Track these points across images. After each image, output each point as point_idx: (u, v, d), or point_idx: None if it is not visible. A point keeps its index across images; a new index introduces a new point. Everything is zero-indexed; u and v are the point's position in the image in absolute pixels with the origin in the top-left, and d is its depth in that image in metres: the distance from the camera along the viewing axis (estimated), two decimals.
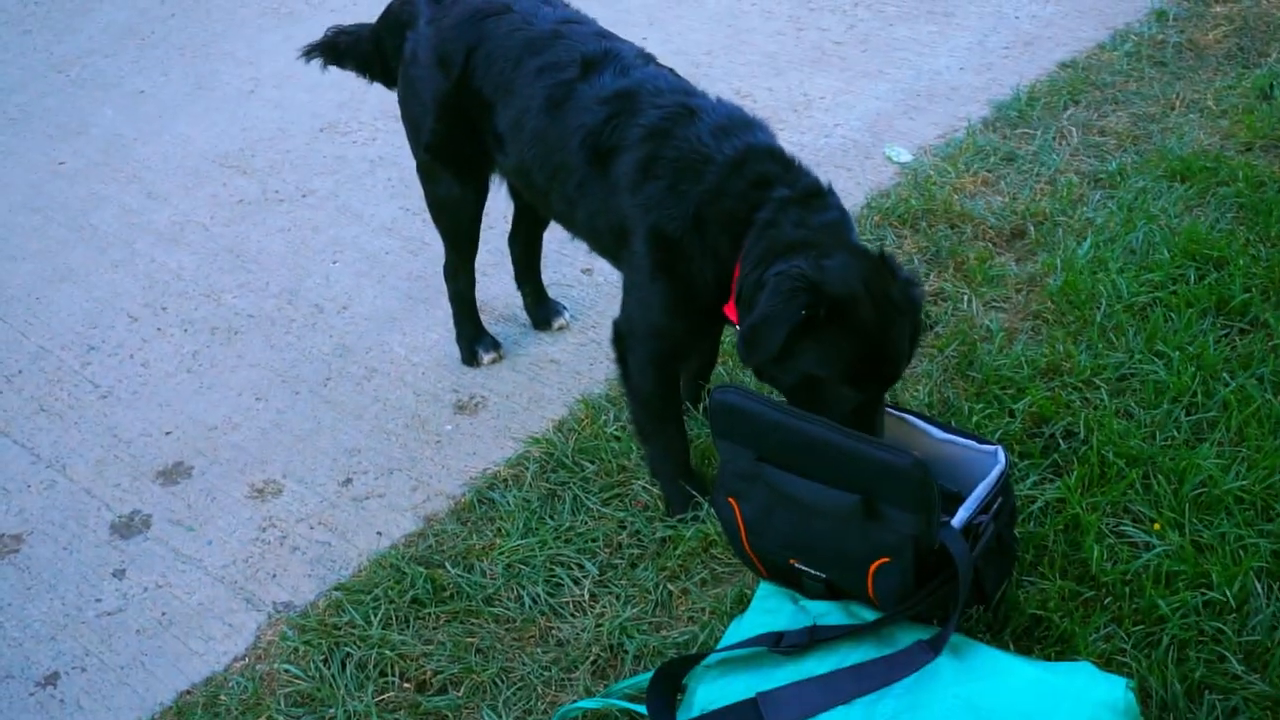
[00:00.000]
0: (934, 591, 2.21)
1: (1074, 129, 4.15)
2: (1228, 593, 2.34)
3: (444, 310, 3.61)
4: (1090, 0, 5.12)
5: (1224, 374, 2.89)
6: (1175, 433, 2.77)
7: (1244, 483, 2.58)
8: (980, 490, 2.27)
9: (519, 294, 3.60)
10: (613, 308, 3.55)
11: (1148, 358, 2.98)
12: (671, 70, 2.79)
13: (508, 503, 2.91)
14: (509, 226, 3.47)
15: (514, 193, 3.29)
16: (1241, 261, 3.21)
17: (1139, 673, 2.26)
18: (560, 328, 3.54)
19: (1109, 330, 3.11)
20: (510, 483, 2.99)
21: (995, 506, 2.27)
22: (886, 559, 2.19)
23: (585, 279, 3.74)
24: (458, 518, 2.93)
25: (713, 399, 2.33)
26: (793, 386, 2.36)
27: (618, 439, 3.04)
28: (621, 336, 2.74)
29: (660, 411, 2.75)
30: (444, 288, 3.44)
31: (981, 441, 2.38)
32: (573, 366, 3.39)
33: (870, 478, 2.14)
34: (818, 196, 2.44)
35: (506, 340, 3.51)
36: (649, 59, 2.79)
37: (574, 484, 2.94)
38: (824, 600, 2.35)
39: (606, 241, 2.74)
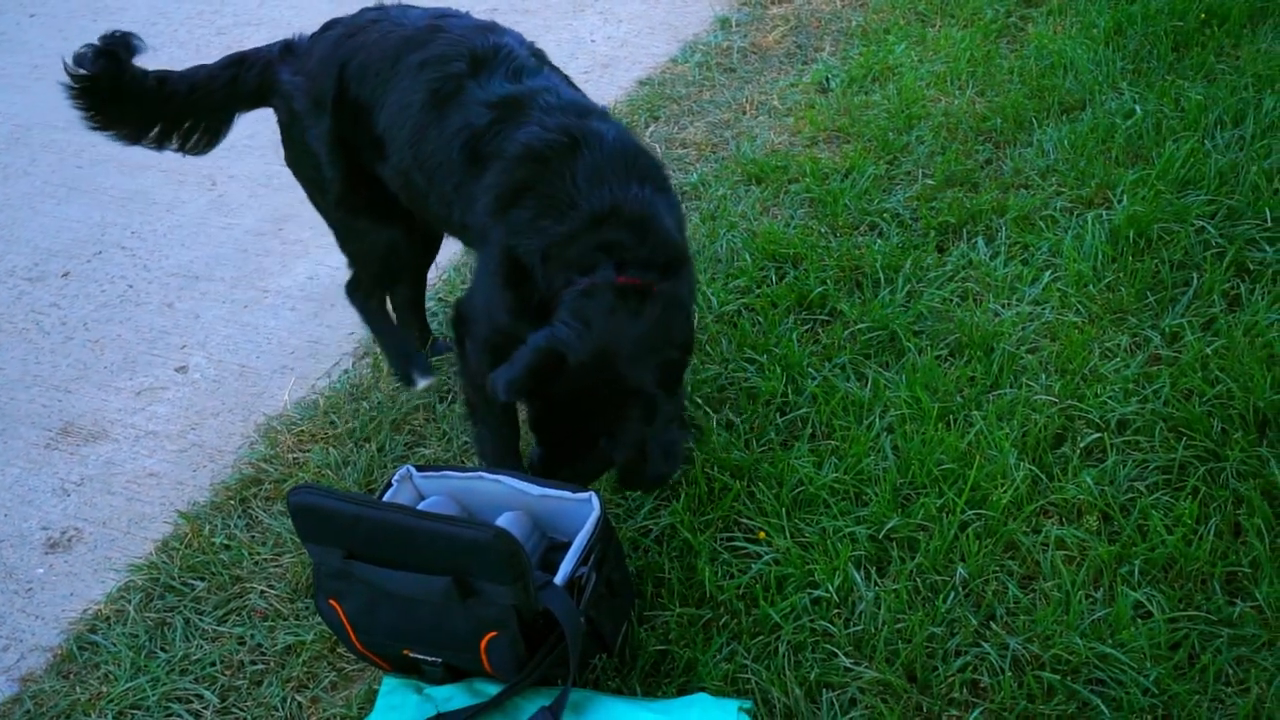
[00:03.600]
0: (549, 654, 2.17)
1: (658, 144, 4.25)
2: (830, 589, 2.42)
3: (22, 439, 3.31)
4: (660, 16, 5.29)
5: (810, 369, 3.01)
6: (773, 435, 2.85)
7: (836, 474, 2.68)
8: (578, 542, 2.25)
9: (109, 407, 3.35)
10: (212, 403, 3.37)
11: (740, 365, 3.06)
12: (566, 78, 2.66)
13: (112, 643, 2.67)
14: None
15: None
16: (814, 255, 3.36)
17: (760, 685, 2.30)
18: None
19: (705, 343, 3.18)
20: (113, 620, 2.74)
21: (595, 555, 2.25)
22: (494, 633, 2.13)
23: (180, 378, 3.50)
24: (58, 671, 2.66)
25: (290, 502, 2.20)
26: None
27: (228, 548, 2.85)
28: (464, 320, 2.62)
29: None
30: (22, 412, 3.14)
31: (576, 490, 2.36)
32: (174, 477, 3.16)
33: (458, 556, 2.07)
34: (638, 295, 2.34)
35: (97, 459, 3.23)
36: (542, 59, 2.66)
37: (184, 607, 2.73)
38: (447, 684, 2.28)
39: (473, 238, 2.63)
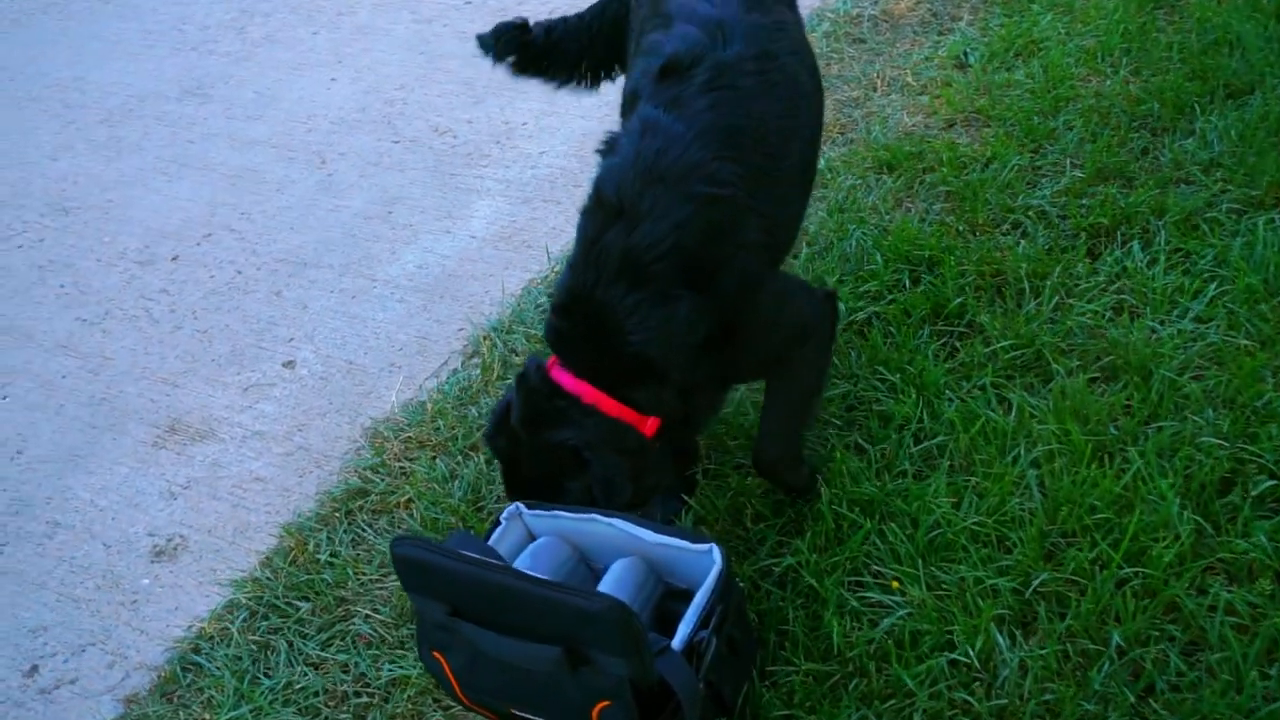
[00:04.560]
0: None
1: None
2: (971, 653, 2.22)
3: (131, 436, 3.26)
4: None
5: (947, 391, 2.78)
6: (907, 465, 2.64)
7: (978, 518, 2.46)
8: (697, 602, 2.08)
9: (216, 403, 3.29)
10: (319, 403, 3.28)
11: (871, 383, 2.85)
12: (725, 129, 2.29)
13: (215, 666, 2.61)
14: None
15: None
16: (952, 259, 3.12)
17: None
18: None
19: (834, 354, 2.96)
20: (217, 640, 2.68)
21: (715, 618, 2.08)
22: (607, 702, 1.98)
23: (287, 374, 3.42)
24: (162, 693, 2.61)
25: (393, 553, 2.08)
26: None
27: (332, 565, 2.76)
28: None
29: None
30: (131, 406, 3.14)
31: (696, 540, 2.19)
32: (280, 483, 3.08)
33: (569, 625, 1.92)
34: (550, 392, 2.29)
35: (204, 460, 3.17)
36: (739, 87, 2.32)
37: (288, 629, 2.65)
38: None
39: None
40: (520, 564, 2.26)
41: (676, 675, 1.98)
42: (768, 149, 2.34)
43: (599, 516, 2.27)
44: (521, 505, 2.35)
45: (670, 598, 2.28)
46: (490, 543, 2.28)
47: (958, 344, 2.94)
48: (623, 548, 2.26)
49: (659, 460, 2.37)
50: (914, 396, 2.76)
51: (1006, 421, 2.67)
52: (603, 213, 2.26)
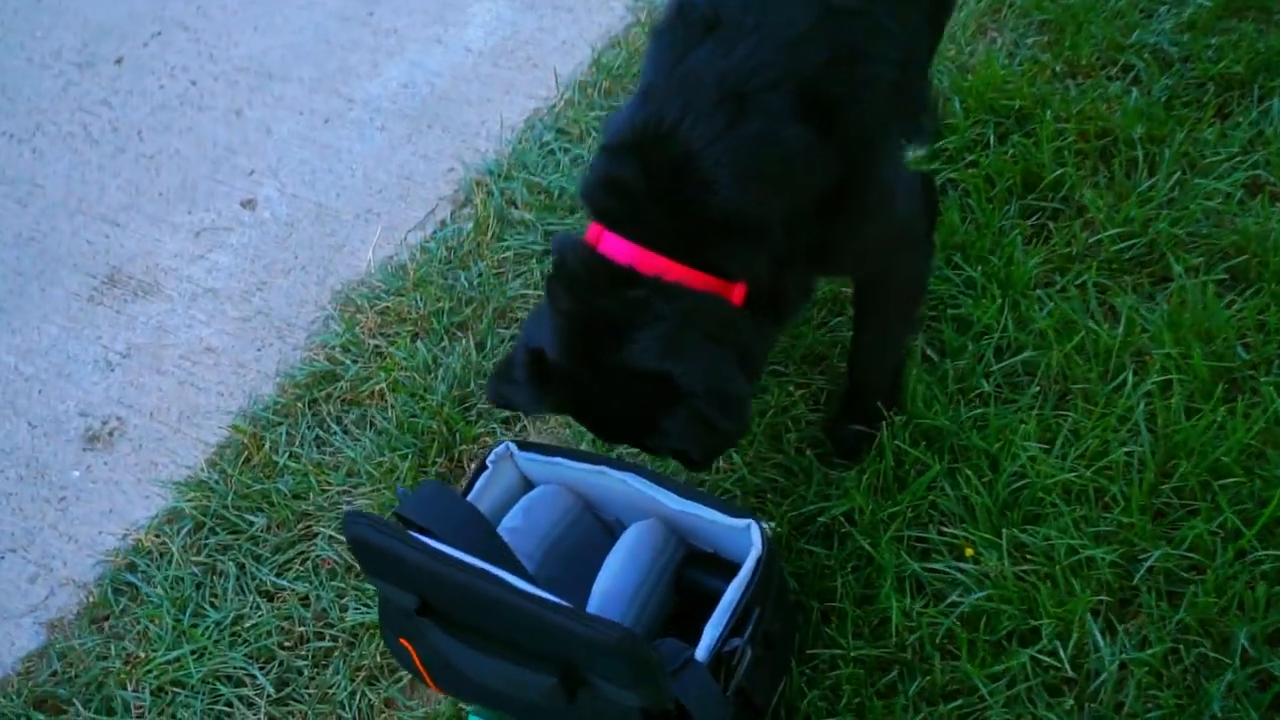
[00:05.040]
0: None
1: None
2: (1062, 654, 1.80)
3: (63, 288, 2.79)
4: None
5: (1038, 290, 2.28)
6: (985, 385, 2.16)
7: (1074, 465, 2.00)
8: (728, 600, 1.64)
9: (162, 250, 2.80)
10: (283, 256, 2.80)
11: (944, 274, 2.34)
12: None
13: (154, 590, 2.22)
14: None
15: None
16: (1048, 114, 2.54)
17: None
18: None
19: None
20: (156, 556, 2.28)
21: (752, 621, 1.65)
22: None
23: (246, 217, 2.90)
24: (91, 619, 2.24)
25: (348, 533, 1.63)
26: None
27: (292, 470, 2.33)
28: None
29: None
30: (64, 249, 2.76)
31: (731, 513, 1.74)
32: (235, 356, 2.62)
33: (569, 649, 1.50)
34: (612, 278, 1.64)
35: (147, 323, 2.70)
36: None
37: (239, 549, 2.25)
38: None
39: None
40: (511, 522, 1.83)
41: (699, 698, 1.56)
42: None
43: (610, 470, 1.81)
44: (512, 445, 1.89)
45: (692, 563, 1.85)
46: (475, 493, 1.84)
47: (1051, 225, 2.41)
48: (638, 506, 1.82)
49: (756, 329, 1.74)
50: (998, 296, 2.26)
51: (1112, 335, 2.17)
52: (687, 27, 1.62)
